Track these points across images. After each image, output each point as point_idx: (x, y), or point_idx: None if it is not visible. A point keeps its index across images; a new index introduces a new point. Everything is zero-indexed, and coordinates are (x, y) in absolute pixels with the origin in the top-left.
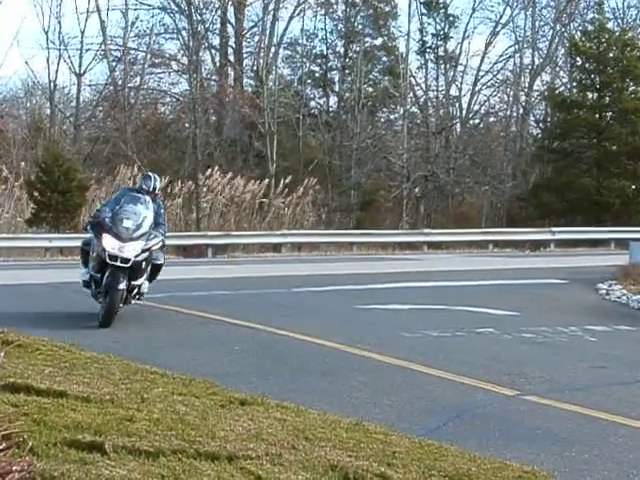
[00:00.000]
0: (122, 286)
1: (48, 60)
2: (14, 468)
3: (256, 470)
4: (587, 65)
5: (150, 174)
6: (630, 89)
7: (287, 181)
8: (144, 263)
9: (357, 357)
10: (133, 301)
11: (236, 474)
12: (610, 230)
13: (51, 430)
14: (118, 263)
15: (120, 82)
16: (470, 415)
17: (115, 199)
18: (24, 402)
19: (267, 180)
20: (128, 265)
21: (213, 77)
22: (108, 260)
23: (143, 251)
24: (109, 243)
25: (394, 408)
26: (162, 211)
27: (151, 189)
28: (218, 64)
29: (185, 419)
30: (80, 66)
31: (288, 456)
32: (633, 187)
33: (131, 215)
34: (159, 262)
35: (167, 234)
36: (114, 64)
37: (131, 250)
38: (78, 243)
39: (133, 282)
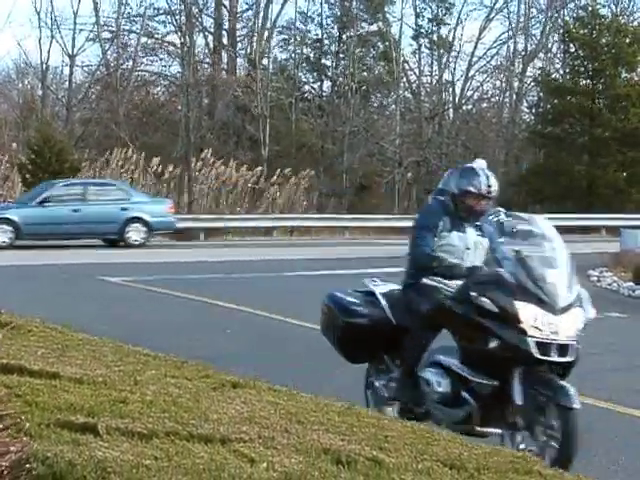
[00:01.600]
0: (578, 404)
1: (40, 41)
2: (11, 449)
3: (249, 453)
4: (580, 51)
5: (478, 167)
6: (623, 76)
7: (280, 172)
8: None
9: None
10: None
11: (229, 457)
12: (601, 217)
13: (44, 411)
14: (555, 358)
15: (113, 64)
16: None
17: (429, 225)
18: (17, 383)
19: (260, 167)
20: (570, 359)
21: (206, 60)
22: (538, 354)
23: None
24: (534, 318)
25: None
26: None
27: (490, 192)
28: (212, 47)
29: (178, 401)
30: (73, 47)
31: (281, 439)
32: (625, 174)
33: (548, 260)
34: None
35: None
36: (107, 46)
37: (572, 329)
38: None
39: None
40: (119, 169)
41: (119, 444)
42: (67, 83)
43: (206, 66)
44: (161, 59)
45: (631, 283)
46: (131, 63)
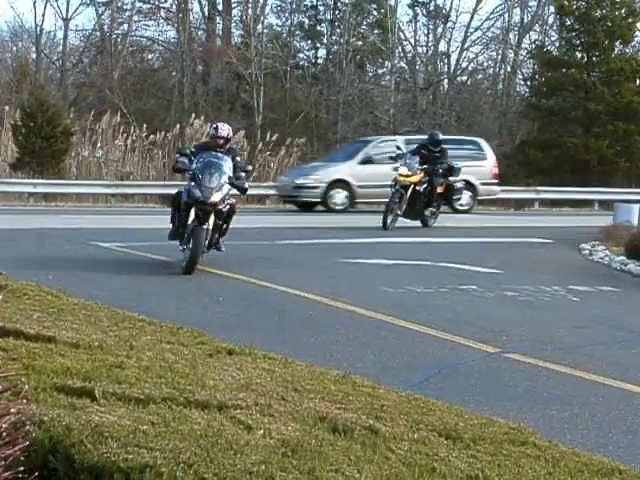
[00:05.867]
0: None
1: (35, 4)
2: (12, 410)
3: (246, 420)
4: (575, 24)
5: None
6: (617, 49)
7: (273, 138)
8: None
9: (340, 311)
10: None
11: (226, 423)
12: (594, 191)
13: (40, 375)
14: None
15: (107, 28)
16: (452, 371)
17: None
18: (13, 347)
19: (253, 134)
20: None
21: (201, 26)
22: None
23: None
24: None
25: (377, 363)
26: None
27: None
28: (206, 13)
29: (174, 367)
30: (67, 11)
31: (277, 407)
32: (618, 148)
33: None
34: None
35: (153, 183)
36: (101, 9)
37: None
38: (63, 190)
39: None
40: (112, 133)
41: (116, 409)
42: (61, 47)
43: (201, 32)
44: (157, 24)
45: (623, 257)
46: (126, 28)
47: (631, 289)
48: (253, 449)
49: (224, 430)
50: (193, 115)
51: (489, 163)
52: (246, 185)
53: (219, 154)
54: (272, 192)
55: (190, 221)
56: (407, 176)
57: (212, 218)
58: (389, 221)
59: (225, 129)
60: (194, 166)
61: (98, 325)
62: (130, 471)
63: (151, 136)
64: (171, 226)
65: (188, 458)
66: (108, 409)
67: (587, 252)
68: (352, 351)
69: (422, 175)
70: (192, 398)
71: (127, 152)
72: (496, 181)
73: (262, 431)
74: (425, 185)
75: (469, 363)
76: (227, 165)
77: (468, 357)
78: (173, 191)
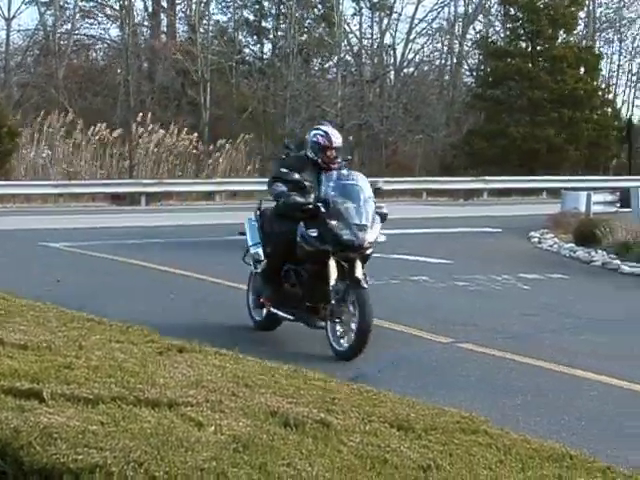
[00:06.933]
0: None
1: None
2: None
3: (196, 416)
4: (519, 14)
5: None
6: (560, 38)
7: (222, 136)
8: None
9: None
10: None
11: (177, 420)
12: (542, 179)
13: None
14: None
15: (50, 27)
16: (405, 362)
17: None
18: None
19: (198, 131)
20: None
21: (145, 23)
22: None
23: None
24: None
25: (329, 356)
26: None
27: None
28: (151, 10)
29: (124, 366)
30: (9, 10)
31: (228, 403)
32: (564, 136)
33: None
34: None
35: (101, 182)
36: (44, 9)
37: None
38: (10, 190)
39: None
40: (58, 133)
41: (65, 410)
42: (4, 46)
43: (145, 29)
44: (100, 23)
45: (572, 244)
46: (69, 26)
47: (580, 276)
48: (204, 446)
49: (175, 428)
50: (144, 116)
51: None
52: (386, 210)
53: (352, 175)
54: (221, 188)
55: (333, 280)
56: None
57: (359, 267)
58: None
59: (337, 135)
60: (324, 195)
61: (47, 326)
62: (80, 472)
63: (98, 135)
64: (267, 286)
65: (138, 457)
66: (57, 410)
67: (536, 240)
68: (304, 345)
69: None
70: (142, 397)
71: (74, 151)
72: None
73: (213, 428)
74: None
75: (422, 354)
76: (369, 189)
77: (421, 348)
78: (121, 190)
